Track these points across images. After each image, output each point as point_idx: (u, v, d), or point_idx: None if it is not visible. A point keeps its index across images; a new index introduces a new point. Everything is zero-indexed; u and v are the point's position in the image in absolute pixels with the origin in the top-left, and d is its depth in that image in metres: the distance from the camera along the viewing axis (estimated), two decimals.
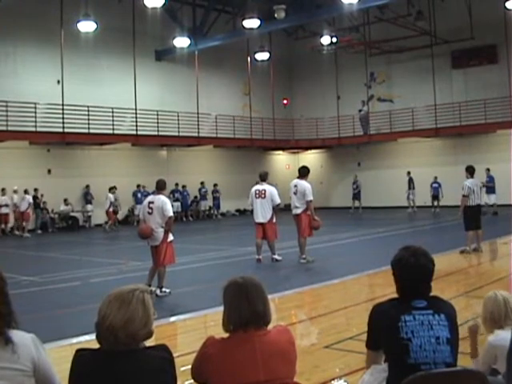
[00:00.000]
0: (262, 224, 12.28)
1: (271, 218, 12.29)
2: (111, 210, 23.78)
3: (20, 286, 10.11)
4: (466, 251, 12.09)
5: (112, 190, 23.90)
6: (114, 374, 2.38)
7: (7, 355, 2.26)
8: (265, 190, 12.29)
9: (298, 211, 12.14)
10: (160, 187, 9.39)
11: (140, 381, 2.39)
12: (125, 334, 2.39)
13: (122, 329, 2.39)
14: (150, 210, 9.11)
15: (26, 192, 22.57)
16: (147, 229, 9.09)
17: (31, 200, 22.66)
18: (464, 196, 12.27)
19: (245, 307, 2.76)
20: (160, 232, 9.04)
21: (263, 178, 12.61)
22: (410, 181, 28.04)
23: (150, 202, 9.23)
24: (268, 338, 2.78)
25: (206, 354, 2.76)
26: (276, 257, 12.29)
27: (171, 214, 9.10)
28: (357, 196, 29.73)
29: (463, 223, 12.39)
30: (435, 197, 26.83)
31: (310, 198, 12.03)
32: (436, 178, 27.01)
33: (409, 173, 28.18)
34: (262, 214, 12.25)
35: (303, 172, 12.43)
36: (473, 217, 12.16)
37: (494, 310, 3.42)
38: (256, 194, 12.38)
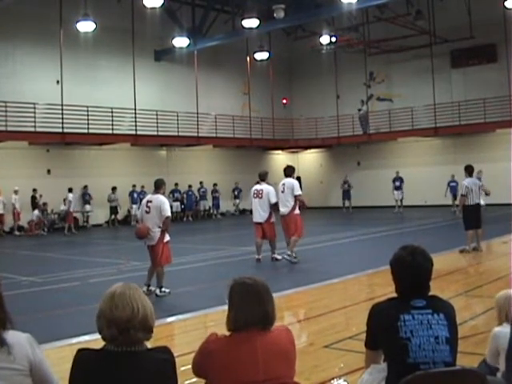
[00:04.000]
0: (260, 224, 12.28)
1: (269, 218, 12.25)
2: (71, 210, 22.66)
3: (20, 286, 10.12)
4: (465, 250, 12.10)
5: (71, 190, 22.91)
6: (115, 374, 2.38)
7: (3, 356, 2.27)
8: (262, 190, 12.27)
9: (287, 211, 12.02)
10: (157, 186, 9.31)
11: (141, 382, 2.40)
12: (152, 322, 2.46)
13: (150, 317, 2.46)
14: (148, 209, 9.07)
15: None
16: (144, 229, 9.05)
17: (5, 200, 22.48)
18: (462, 195, 12.31)
19: (255, 308, 2.77)
20: (157, 232, 9.00)
21: (262, 177, 12.58)
22: (399, 180, 27.70)
23: (148, 201, 9.19)
24: (269, 337, 2.79)
25: (208, 350, 2.78)
26: (276, 256, 12.27)
27: (169, 213, 9.07)
28: (347, 195, 29.72)
29: (463, 222, 12.42)
30: (455, 196, 25.08)
31: (299, 192, 12.02)
32: (453, 176, 25.85)
33: (397, 172, 28.06)
34: (260, 213, 12.24)
35: (289, 171, 12.43)
36: (472, 216, 12.17)
37: (507, 308, 3.50)
38: (254, 194, 12.41)
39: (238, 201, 30.17)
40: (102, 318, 2.43)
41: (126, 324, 2.39)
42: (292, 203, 11.99)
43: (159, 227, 9.00)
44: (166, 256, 9.10)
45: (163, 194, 9.45)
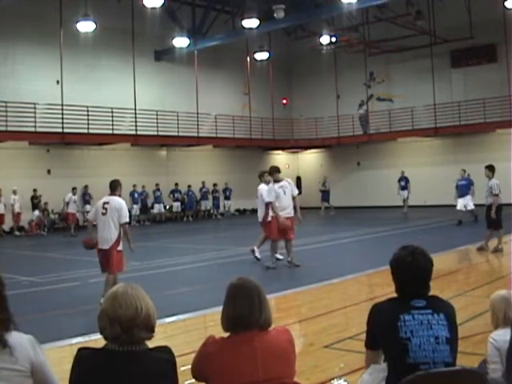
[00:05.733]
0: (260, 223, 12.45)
1: (264, 217, 12.23)
2: (75, 211, 22.12)
3: (20, 286, 10.11)
4: (498, 249, 11.99)
5: (74, 190, 22.36)
6: (116, 373, 2.39)
7: (5, 357, 2.28)
8: (258, 190, 12.42)
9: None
10: (113, 188, 8.90)
11: (142, 382, 2.40)
12: (155, 321, 2.46)
13: (153, 317, 2.47)
14: (105, 211, 8.63)
15: None
16: (89, 243, 8.79)
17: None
18: (496, 195, 12.18)
19: (246, 308, 2.77)
20: (113, 234, 8.57)
21: (260, 177, 12.78)
22: (404, 180, 27.40)
23: (104, 203, 8.74)
24: (268, 337, 2.79)
25: (206, 353, 2.78)
26: (277, 256, 12.04)
27: (127, 220, 8.69)
28: (325, 197, 28.76)
29: (488, 221, 12.29)
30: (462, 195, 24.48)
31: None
32: (468, 175, 25.26)
33: (402, 172, 27.75)
34: (258, 213, 12.49)
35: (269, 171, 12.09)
36: (500, 215, 12.16)
37: (506, 309, 3.45)
38: (257, 195, 12.61)
39: (229, 202, 29.28)
40: (105, 318, 2.44)
41: (129, 322, 2.40)
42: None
43: (116, 230, 8.58)
44: (117, 263, 8.63)
45: (120, 195, 8.98)
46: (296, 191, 11.69)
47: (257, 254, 12.18)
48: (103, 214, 8.61)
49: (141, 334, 2.43)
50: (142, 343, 2.46)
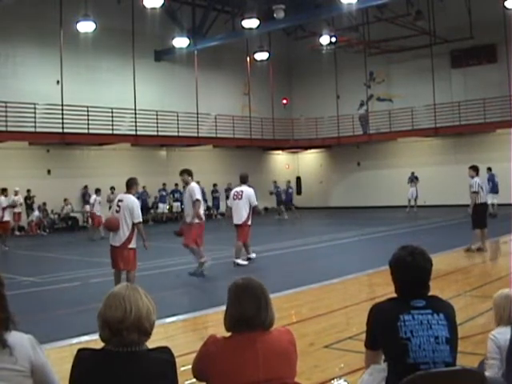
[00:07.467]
0: (236, 226, 12.16)
1: (246, 220, 12.09)
2: (101, 213, 20.48)
3: (20, 286, 10.11)
4: (470, 250, 11.98)
5: (98, 192, 20.90)
6: (115, 374, 2.37)
7: (5, 357, 2.27)
8: (242, 192, 12.14)
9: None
10: (129, 186, 8.99)
11: (142, 382, 2.38)
12: (149, 324, 2.42)
13: (146, 319, 2.41)
14: (118, 209, 8.74)
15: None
16: (115, 220, 8.69)
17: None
18: (474, 192, 12.23)
19: (250, 307, 2.77)
20: (125, 232, 8.64)
21: (243, 180, 12.46)
22: (414, 179, 27.23)
23: (119, 200, 8.87)
24: (269, 338, 2.79)
25: (207, 353, 2.77)
26: (239, 261, 11.75)
27: (140, 219, 8.73)
28: (288, 199, 27.56)
29: (471, 221, 12.34)
30: (496, 192, 22.40)
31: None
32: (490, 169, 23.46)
33: (412, 173, 27.68)
34: (238, 215, 12.13)
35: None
36: (482, 215, 12.13)
37: (509, 308, 3.45)
38: (234, 195, 12.35)
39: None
40: (99, 319, 2.43)
41: (117, 325, 2.36)
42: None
43: (128, 229, 8.64)
44: (132, 262, 8.72)
45: (135, 194, 9.12)
46: (194, 197, 10.98)
47: (243, 262, 11.85)
48: (117, 211, 8.74)
49: (132, 337, 2.38)
50: (138, 344, 2.42)
